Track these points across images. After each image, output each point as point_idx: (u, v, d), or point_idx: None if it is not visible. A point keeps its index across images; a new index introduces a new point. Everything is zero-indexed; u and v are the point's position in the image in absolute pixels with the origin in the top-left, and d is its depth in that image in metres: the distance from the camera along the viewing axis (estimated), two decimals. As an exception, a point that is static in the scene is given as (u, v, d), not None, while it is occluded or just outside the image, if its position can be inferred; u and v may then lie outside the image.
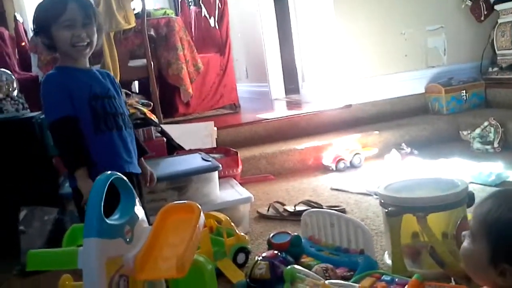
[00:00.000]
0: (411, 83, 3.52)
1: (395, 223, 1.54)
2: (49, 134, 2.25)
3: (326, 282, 1.18)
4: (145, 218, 1.06)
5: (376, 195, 2.35)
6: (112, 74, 1.55)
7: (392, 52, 3.51)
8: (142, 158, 1.58)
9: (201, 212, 1.04)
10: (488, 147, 2.83)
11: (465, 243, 0.86)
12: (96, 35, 1.41)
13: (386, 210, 1.54)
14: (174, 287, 1.08)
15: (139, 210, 1.04)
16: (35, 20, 1.41)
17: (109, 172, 0.97)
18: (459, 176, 1.80)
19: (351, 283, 1.20)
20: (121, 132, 1.43)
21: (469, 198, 1.56)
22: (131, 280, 0.97)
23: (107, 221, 0.91)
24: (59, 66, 1.43)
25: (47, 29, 1.36)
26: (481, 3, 3.49)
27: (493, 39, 3.44)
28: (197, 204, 1.06)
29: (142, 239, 1.00)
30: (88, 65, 1.45)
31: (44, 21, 1.37)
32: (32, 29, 1.43)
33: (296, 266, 1.19)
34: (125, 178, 1.02)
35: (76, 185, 1.31)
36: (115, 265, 0.92)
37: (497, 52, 3.42)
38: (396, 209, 1.53)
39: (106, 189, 0.92)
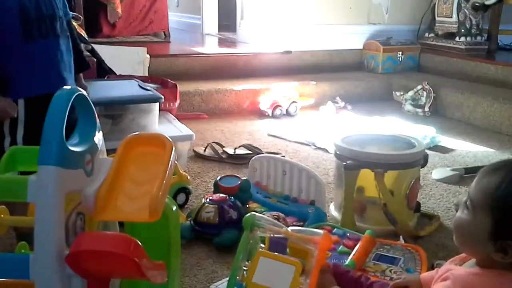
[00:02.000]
0: (351, 37, 3.49)
1: (351, 177, 1.49)
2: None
3: (289, 229, 1.10)
4: (104, 148, 0.88)
5: (314, 146, 2.31)
6: None
7: (336, 2, 3.42)
8: (81, 74, 1.36)
9: (173, 148, 0.88)
10: (419, 110, 2.90)
11: (461, 213, 0.80)
12: None
13: (344, 163, 1.48)
14: (130, 228, 0.93)
15: (99, 138, 0.86)
16: None
17: (69, 87, 0.78)
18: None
19: (314, 229, 1.13)
20: (58, 40, 1.19)
21: (424, 160, 1.56)
22: (88, 218, 0.81)
23: (69, 147, 0.73)
24: None
25: None
26: (429, -35, 3.49)
27: (434, 5, 3.48)
28: (168, 137, 0.90)
29: (102, 172, 0.83)
30: None
31: None
32: None
33: (256, 214, 1.09)
34: (87, 96, 0.83)
35: None
36: (74, 201, 0.76)
37: (436, 18, 3.48)
38: (354, 163, 1.48)
39: (68, 108, 0.73)
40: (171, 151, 0.87)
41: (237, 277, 0.97)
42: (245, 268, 0.99)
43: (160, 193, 0.79)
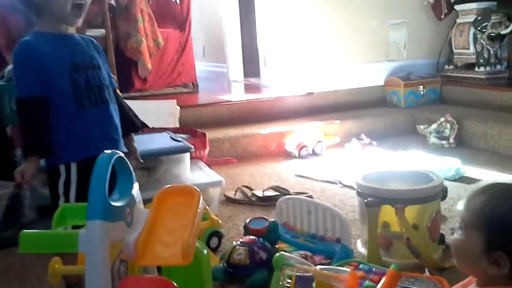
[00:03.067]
0: (372, 75, 3.59)
1: (373, 213, 1.56)
2: (5, 103, 2.11)
3: (317, 267, 1.18)
4: (141, 201, 1.00)
5: (341, 183, 2.39)
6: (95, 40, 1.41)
7: (355, 43, 3.55)
8: (132, 134, 1.49)
9: (201, 196, 0.99)
10: (444, 142, 2.94)
11: (456, 235, 0.88)
12: None
13: (365, 201, 1.56)
14: (167, 272, 1.03)
15: (137, 192, 0.98)
16: None
17: (110, 151, 0.90)
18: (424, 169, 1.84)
19: (342, 268, 1.20)
20: (107, 107, 1.32)
21: (443, 192, 1.61)
22: (130, 265, 0.92)
23: (111, 202, 0.84)
24: (36, 32, 1.29)
25: None
26: (442, 1, 3.59)
27: (451, 38, 3.56)
28: (196, 188, 1.01)
29: (140, 223, 0.95)
30: (70, 31, 1.32)
31: None
32: None
33: (285, 253, 1.18)
34: (124, 157, 0.95)
35: (54, 163, 1.22)
36: (117, 249, 0.87)
37: (454, 50, 3.55)
38: (375, 200, 1.55)
39: (110, 169, 0.85)
40: (199, 200, 0.98)
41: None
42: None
43: (191, 238, 0.89)
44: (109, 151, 0.90)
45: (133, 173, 0.98)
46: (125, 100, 2.65)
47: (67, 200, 1.24)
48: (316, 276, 1.17)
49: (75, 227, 0.91)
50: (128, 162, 0.96)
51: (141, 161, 1.51)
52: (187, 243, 0.87)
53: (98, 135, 1.30)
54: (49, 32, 1.28)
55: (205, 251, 1.04)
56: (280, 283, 1.16)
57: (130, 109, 1.50)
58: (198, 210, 0.97)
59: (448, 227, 1.83)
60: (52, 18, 1.27)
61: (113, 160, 0.87)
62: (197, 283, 1.03)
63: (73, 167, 1.26)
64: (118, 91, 1.49)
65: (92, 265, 0.79)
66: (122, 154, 0.92)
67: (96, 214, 0.80)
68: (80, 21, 1.29)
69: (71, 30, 1.33)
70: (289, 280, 1.23)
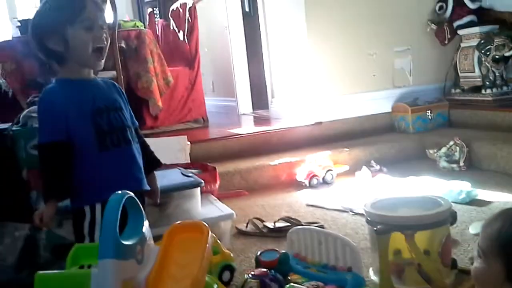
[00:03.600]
0: (379, 102, 3.63)
1: (383, 241, 1.57)
2: (21, 147, 2.18)
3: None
4: (152, 238, 1.03)
5: (352, 211, 2.40)
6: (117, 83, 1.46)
7: (361, 71, 3.61)
8: (155, 173, 1.52)
9: (210, 232, 1.02)
10: (454, 165, 2.95)
11: (476, 264, 0.89)
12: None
13: (375, 229, 1.57)
14: (178, 308, 1.06)
15: (146, 229, 1.01)
16: (40, 23, 1.28)
17: (120, 191, 0.94)
18: (433, 194, 1.85)
19: None
20: (130, 147, 1.35)
21: (452, 217, 1.62)
22: (142, 302, 0.94)
23: (122, 241, 0.88)
24: (60, 79, 1.33)
25: (59, 32, 1.24)
26: (445, 27, 3.65)
27: (456, 62, 3.60)
28: (205, 223, 1.04)
29: (151, 260, 0.98)
30: (92, 75, 1.36)
31: (56, 21, 1.24)
32: (31, 35, 1.29)
33: (295, 285, 1.19)
34: (134, 196, 0.99)
35: (79, 205, 1.27)
36: (129, 287, 0.90)
37: (460, 74, 3.59)
38: (384, 227, 1.56)
39: (120, 209, 0.89)
40: (208, 235, 1.01)
41: None
42: None
43: (201, 273, 0.92)
44: (119, 192, 0.94)
45: (143, 212, 1.02)
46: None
47: (91, 240, 1.26)
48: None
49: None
50: (138, 201, 1.00)
51: (158, 202, 1.54)
52: (196, 278, 0.90)
53: (121, 175, 1.32)
54: (72, 78, 1.32)
55: (215, 286, 1.06)
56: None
57: (149, 148, 1.54)
58: (207, 245, 1.00)
59: (461, 251, 1.83)
60: (74, 65, 1.30)
61: (124, 200, 0.91)
62: (209, 318, 1.05)
63: (98, 208, 1.28)
64: (139, 131, 1.52)
65: (105, 303, 0.82)
66: (132, 194, 0.96)
67: (107, 253, 0.84)
68: (101, 64, 1.33)
69: (93, 74, 1.37)
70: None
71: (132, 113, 1.47)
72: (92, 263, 0.93)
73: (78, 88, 1.31)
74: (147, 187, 1.42)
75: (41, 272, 0.88)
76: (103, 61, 1.33)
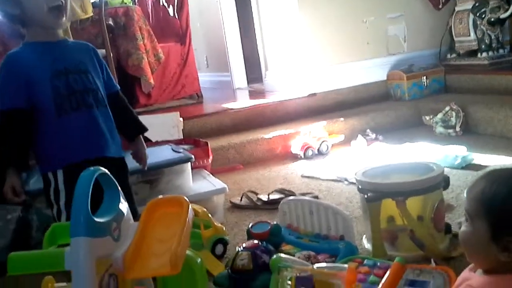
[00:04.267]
0: (373, 70, 3.57)
1: (374, 208, 1.55)
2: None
3: (314, 266, 1.17)
4: (130, 214, 1.01)
5: (347, 181, 2.37)
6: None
7: (354, 40, 3.54)
8: (140, 137, 1.50)
9: (190, 206, 1.00)
10: (451, 131, 2.91)
11: (463, 228, 0.86)
12: None
13: (366, 196, 1.55)
14: (161, 283, 1.04)
15: (123, 206, 0.99)
16: None
17: (92, 168, 0.91)
18: (427, 159, 1.83)
19: (339, 264, 1.19)
20: (91, 110, 1.31)
21: (445, 182, 1.59)
22: (120, 278, 0.93)
23: (95, 218, 0.85)
24: (25, 43, 1.31)
25: None
26: (438, -9, 3.57)
27: (451, 26, 3.53)
28: (185, 198, 1.02)
29: (129, 236, 0.96)
30: (61, 36, 1.33)
31: None
32: None
33: (282, 255, 1.17)
34: (108, 173, 0.96)
35: (44, 171, 1.24)
36: (104, 264, 0.88)
37: (455, 39, 3.51)
38: (375, 194, 1.54)
39: (91, 186, 0.86)
40: (188, 210, 0.98)
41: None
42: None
43: (179, 248, 0.90)
44: (91, 168, 0.91)
45: (119, 188, 0.99)
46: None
47: (58, 209, 1.25)
48: (314, 275, 1.17)
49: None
50: (112, 178, 0.97)
51: (145, 168, 1.51)
52: (174, 254, 0.88)
53: (81, 140, 1.29)
54: (38, 41, 1.29)
55: (198, 260, 1.04)
56: (279, 285, 1.16)
57: (132, 113, 1.52)
58: (187, 220, 0.97)
59: (456, 216, 1.81)
60: (37, 27, 1.28)
61: (95, 176, 0.88)
62: (194, 292, 1.04)
63: (60, 174, 1.27)
64: (121, 95, 1.48)
65: (78, 282, 0.80)
66: (106, 171, 0.93)
67: (79, 231, 0.81)
68: (62, 22, 1.30)
69: (61, 36, 1.34)
70: (289, 282, 1.23)
71: (111, 77, 1.44)
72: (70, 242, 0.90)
73: (40, 51, 1.28)
74: (117, 154, 1.38)
75: (13, 253, 0.86)
76: (63, 19, 1.30)
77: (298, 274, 1.19)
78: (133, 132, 1.47)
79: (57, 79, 1.27)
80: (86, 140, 1.30)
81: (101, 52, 3.36)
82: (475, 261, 0.88)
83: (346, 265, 1.21)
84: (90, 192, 0.84)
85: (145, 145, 1.52)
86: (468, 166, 2.33)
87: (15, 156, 1.24)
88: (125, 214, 0.98)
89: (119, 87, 1.51)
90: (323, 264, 1.32)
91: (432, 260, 1.49)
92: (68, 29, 3.07)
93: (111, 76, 1.45)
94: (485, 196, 0.82)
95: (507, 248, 0.79)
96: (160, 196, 1.04)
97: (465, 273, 0.92)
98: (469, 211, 0.85)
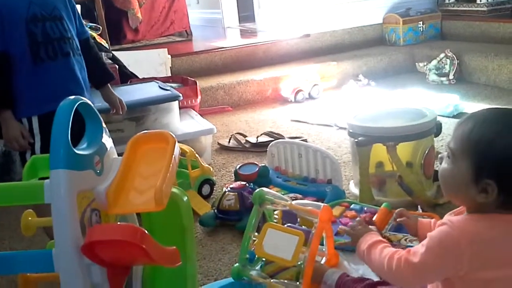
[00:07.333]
0: (370, 12, 3.46)
1: (364, 153, 1.52)
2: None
3: (293, 202, 1.17)
4: (114, 149, 0.96)
5: (337, 126, 2.34)
6: None
7: (351, -21, 3.41)
8: (109, 85, 1.46)
9: (176, 142, 0.96)
10: (444, 79, 2.87)
11: (444, 164, 0.84)
12: None
13: (356, 140, 1.52)
14: (146, 220, 1.01)
15: (107, 140, 0.94)
16: None
17: (73, 97, 0.86)
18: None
19: (317, 203, 1.19)
20: (67, 59, 1.29)
21: (437, 128, 1.57)
22: (103, 214, 0.89)
23: (75, 151, 0.81)
24: None
25: None
26: None
27: (451, -31, 3.41)
28: (171, 133, 0.97)
29: (112, 171, 0.91)
30: None
31: None
32: None
33: (264, 189, 1.16)
34: (91, 103, 0.91)
35: (18, 117, 1.24)
36: (86, 199, 0.84)
37: (455, -17, 3.40)
38: (366, 139, 1.51)
39: (71, 116, 0.81)
40: (174, 146, 0.94)
41: (248, 246, 1.06)
42: (255, 238, 1.08)
43: (164, 184, 0.86)
44: (72, 97, 0.86)
45: (102, 121, 0.94)
46: (114, 52, 2.61)
47: (33, 153, 1.25)
48: (295, 211, 1.18)
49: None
50: (95, 109, 0.92)
51: (120, 113, 1.48)
52: (159, 190, 0.84)
53: (57, 88, 1.27)
54: None
55: (185, 198, 1.01)
56: (259, 217, 1.16)
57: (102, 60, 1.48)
58: (173, 156, 0.93)
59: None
60: None
61: (75, 106, 0.83)
62: (179, 230, 1.01)
63: (35, 121, 1.26)
64: (94, 34, 1.45)
65: (59, 215, 0.77)
66: (87, 100, 0.88)
67: (58, 163, 0.77)
68: None
69: None
70: (276, 216, 1.23)
71: (82, 23, 1.40)
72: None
73: None
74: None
75: (-9, 184, 0.82)
76: None
77: (284, 209, 1.20)
78: (102, 80, 1.44)
79: (34, 25, 1.24)
80: (62, 89, 1.27)
81: (86, -18, 3.21)
82: (451, 198, 0.87)
83: (322, 204, 1.21)
84: (70, 122, 0.79)
85: (114, 92, 1.50)
86: (460, 114, 2.31)
87: (9, 97, 1.23)
88: (109, 148, 0.93)
89: (89, 33, 1.49)
90: (302, 201, 1.32)
91: (419, 207, 1.49)
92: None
93: (82, 21, 1.42)
94: (473, 136, 0.79)
95: (485, 190, 0.78)
96: (145, 131, 0.99)
97: (448, 216, 0.91)
98: (453, 149, 0.82)
